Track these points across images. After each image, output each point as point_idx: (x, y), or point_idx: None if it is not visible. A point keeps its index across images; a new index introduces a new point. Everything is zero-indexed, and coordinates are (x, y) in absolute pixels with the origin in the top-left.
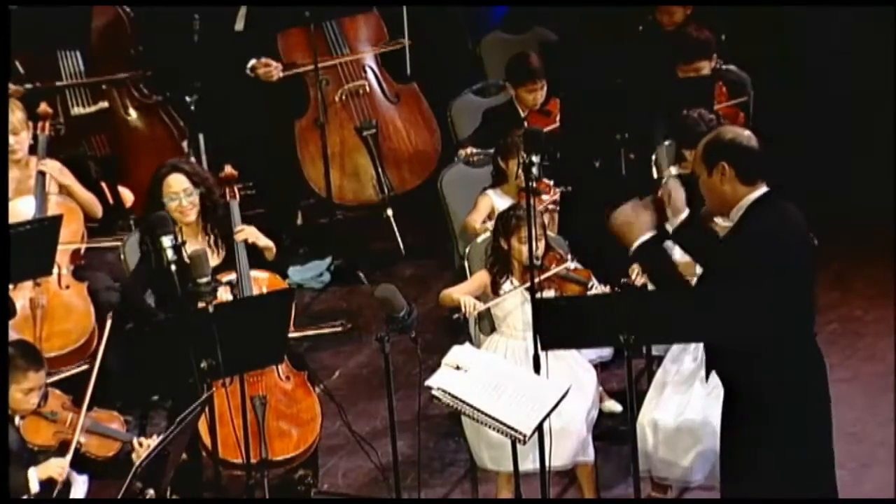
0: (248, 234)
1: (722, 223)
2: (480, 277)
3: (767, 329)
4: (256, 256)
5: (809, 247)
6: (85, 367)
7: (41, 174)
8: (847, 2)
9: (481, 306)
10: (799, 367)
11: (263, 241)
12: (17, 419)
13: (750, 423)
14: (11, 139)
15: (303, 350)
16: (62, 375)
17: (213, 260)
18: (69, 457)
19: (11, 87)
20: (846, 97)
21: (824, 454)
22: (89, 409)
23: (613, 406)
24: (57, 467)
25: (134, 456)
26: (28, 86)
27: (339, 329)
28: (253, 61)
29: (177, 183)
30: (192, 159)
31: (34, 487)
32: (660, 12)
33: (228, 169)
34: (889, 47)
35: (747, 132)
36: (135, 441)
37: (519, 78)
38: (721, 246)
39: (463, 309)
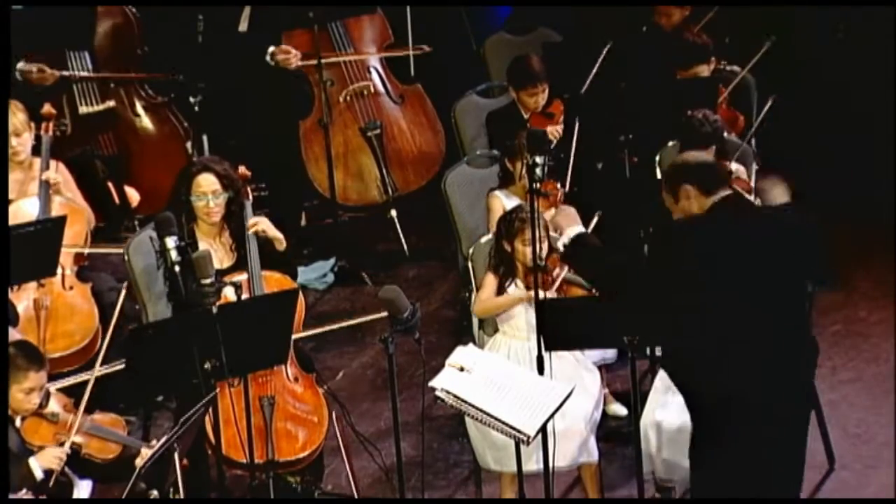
0: (262, 225)
1: None
2: (491, 280)
3: (747, 325)
4: (268, 257)
5: (783, 239)
6: (87, 377)
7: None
8: (847, 2)
9: (551, 295)
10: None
11: (274, 232)
12: (17, 420)
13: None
14: (14, 141)
15: (307, 350)
16: (66, 382)
17: (228, 261)
18: (67, 446)
19: (47, 70)
20: (847, 98)
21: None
22: (91, 412)
23: (618, 409)
24: (54, 458)
25: (138, 460)
26: (66, 73)
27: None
28: (272, 48)
29: (207, 183)
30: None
31: (38, 475)
32: (658, 14)
33: (242, 169)
34: (889, 47)
35: (700, 153)
36: (144, 449)
37: (520, 81)
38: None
39: None
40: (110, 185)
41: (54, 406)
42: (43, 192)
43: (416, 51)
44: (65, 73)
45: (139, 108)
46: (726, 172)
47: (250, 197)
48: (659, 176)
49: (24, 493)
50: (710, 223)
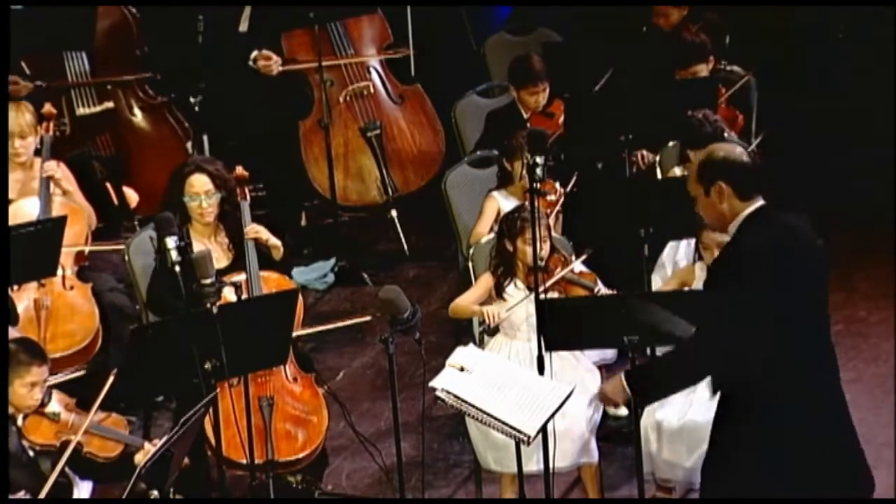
0: (259, 232)
1: (717, 237)
2: (485, 281)
3: (771, 337)
4: (265, 257)
5: (815, 254)
6: (83, 372)
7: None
8: (847, 2)
9: (504, 314)
10: (810, 373)
11: (272, 240)
12: (19, 419)
13: (750, 431)
14: (17, 143)
15: (307, 351)
16: (64, 378)
17: (225, 261)
18: (48, 485)
19: (21, 82)
20: (847, 98)
21: (841, 456)
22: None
23: (619, 409)
24: None
25: (139, 457)
26: (39, 83)
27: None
28: (255, 53)
29: (199, 184)
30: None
31: None
32: (656, 14)
33: (240, 170)
34: (889, 47)
35: (739, 148)
36: (147, 445)
37: (521, 80)
38: (719, 260)
39: (487, 321)
40: (108, 185)
41: (55, 405)
42: (43, 191)
43: (403, 53)
44: (39, 83)
45: (137, 109)
46: (763, 178)
47: (248, 197)
48: (660, 176)
49: (23, 494)
50: (786, 241)
